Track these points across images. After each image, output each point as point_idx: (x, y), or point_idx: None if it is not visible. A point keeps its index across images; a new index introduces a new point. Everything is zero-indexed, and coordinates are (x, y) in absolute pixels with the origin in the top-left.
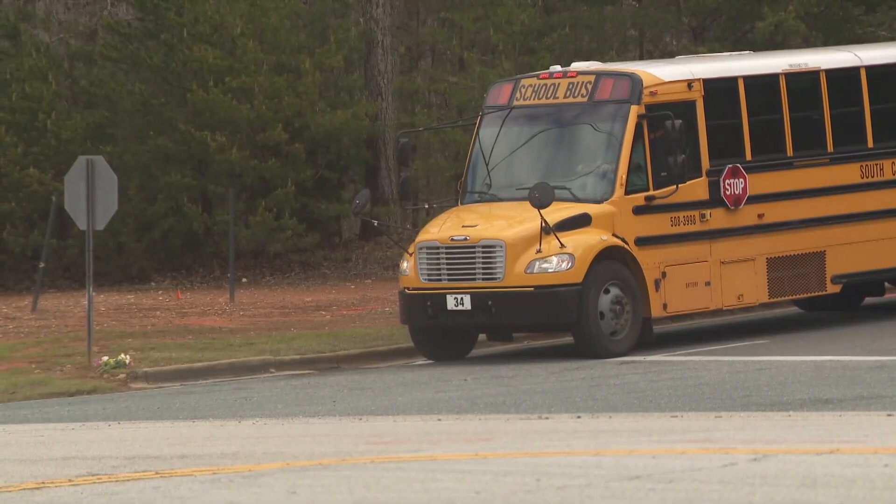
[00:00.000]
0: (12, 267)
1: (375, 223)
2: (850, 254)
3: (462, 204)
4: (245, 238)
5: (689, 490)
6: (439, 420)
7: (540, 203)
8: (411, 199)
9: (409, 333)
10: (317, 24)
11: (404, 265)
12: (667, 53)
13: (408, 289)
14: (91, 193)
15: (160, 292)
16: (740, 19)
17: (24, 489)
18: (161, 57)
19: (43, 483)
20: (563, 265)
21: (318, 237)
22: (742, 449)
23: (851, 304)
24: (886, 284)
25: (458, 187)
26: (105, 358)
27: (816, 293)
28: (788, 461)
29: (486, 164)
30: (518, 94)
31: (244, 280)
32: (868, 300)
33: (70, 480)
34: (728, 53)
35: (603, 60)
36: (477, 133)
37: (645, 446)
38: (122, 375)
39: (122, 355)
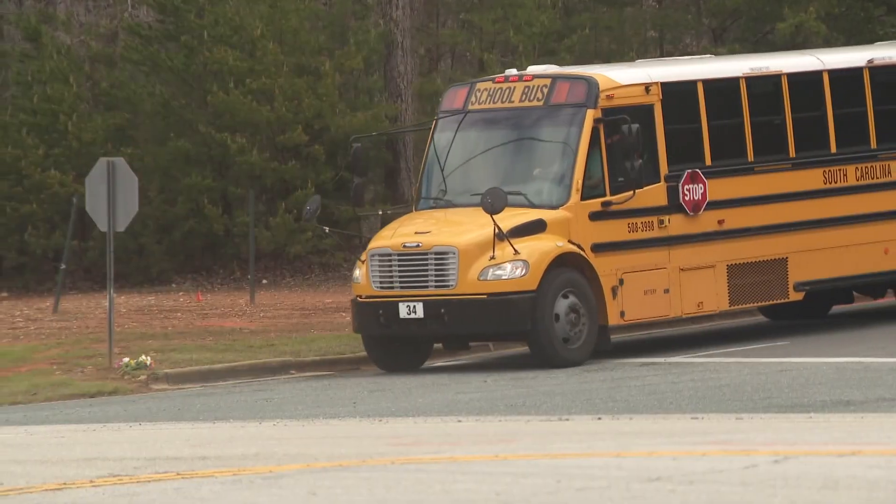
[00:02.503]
0: (34, 268)
1: (327, 230)
2: (813, 261)
3: (417, 210)
4: (265, 240)
5: (711, 492)
6: (459, 422)
7: (493, 208)
8: (365, 206)
9: (362, 343)
10: (337, 25)
11: (357, 273)
12: (687, 54)
13: (360, 297)
14: (112, 195)
15: (181, 294)
16: (761, 20)
17: (46, 490)
18: (181, 59)
19: (65, 484)
20: (517, 272)
21: (338, 239)
22: (763, 451)
23: (818, 312)
24: (855, 293)
25: (412, 193)
26: (126, 359)
27: (778, 301)
28: (810, 463)
29: (442, 170)
30: (473, 98)
31: (264, 281)
32: (837, 308)
33: (91, 481)
34: (689, 57)
35: (624, 62)
36: (432, 138)
37: (665, 448)
38: (142, 377)
39: (143, 357)
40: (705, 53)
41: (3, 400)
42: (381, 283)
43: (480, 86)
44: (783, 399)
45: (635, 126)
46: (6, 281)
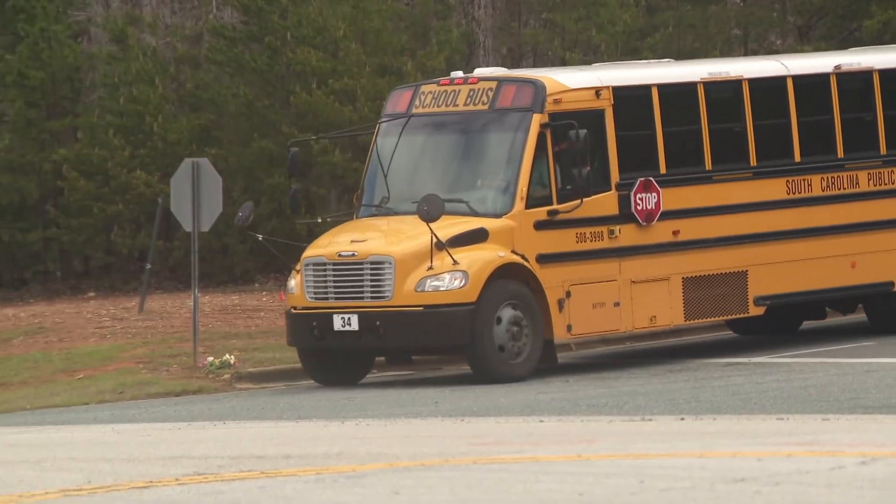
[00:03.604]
0: (120, 268)
1: (260, 237)
2: (775, 274)
3: (358, 217)
4: None
5: (796, 493)
6: (541, 421)
7: (429, 216)
8: (302, 212)
9: (298, 356)
10: (419, 25)
11: (291, 283)
12: (772, 53)
13: (294, 308)
14: (196, 195)
15: (264, 293)
16: (847, 18)
17: (133, 488)
18: (265, 60)
19: (151, 482)
20: (456, 283)
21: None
22: (850, 452)
23: (789, 328)
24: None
25: (354, 200)
26: (210, 358)
27: (738, 315)
28: None
29: (385, 176)
30: (417, 102)
31: None
32: (808, 324)
33: (177, 480)
34: (647, 61)
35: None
36: (375, 142)
37: (750, 449)
38: (226, 376)
39: (227, 356)
40: (791, 52)
41: (91, 398)
42: (315, 293)
43: (425, 88)
44: (870, 400)
45: (583, 132)
46: (93, 281)
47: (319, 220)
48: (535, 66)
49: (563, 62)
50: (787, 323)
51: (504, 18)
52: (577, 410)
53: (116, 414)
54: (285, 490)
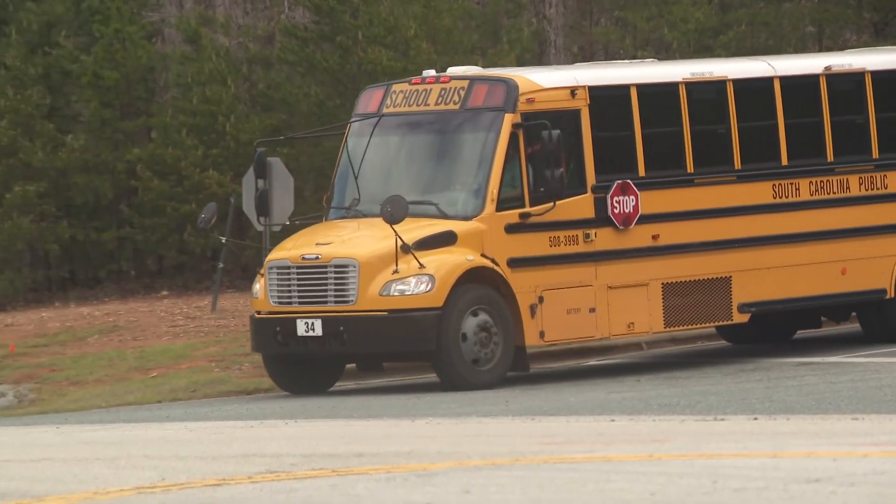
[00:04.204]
0: (193, 268)
1: (223, 240)
2: (761, 281)
3: (327, 220)
4: None
5: (872, 494)
6: (612, 421)
7: (392, 218)
8: (270, 214)
9: (263, 363)
10: (489, 24)
11: (255, 287)
12: (848, 48)
13: (258, 312)
14: (268, 194)
15: None
16: None
17: (206, 485)
18: (336, 59)
19: (223, 480)
20: (422, 287)
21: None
22: None
23: (782, 336)
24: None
25: (324, 202)
26: None
27: (721, 322)
28: None
29: (355, 177)
30: (388, 101)
31: None
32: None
33: (249, 477)
34: (629, 61)
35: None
36: (345, 143)
37: (825, 448)
38: None
39: None
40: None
41: (165, 396)
42: (279, 298)
43: (396, 87)
44: None
45: (556, 132)
46: (167, 280)
47: (288, 223)
48: None
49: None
50: (781, 332)
51: (575, 17)
52: (649, 410)
53: (189, 412)
54: (356, 488)
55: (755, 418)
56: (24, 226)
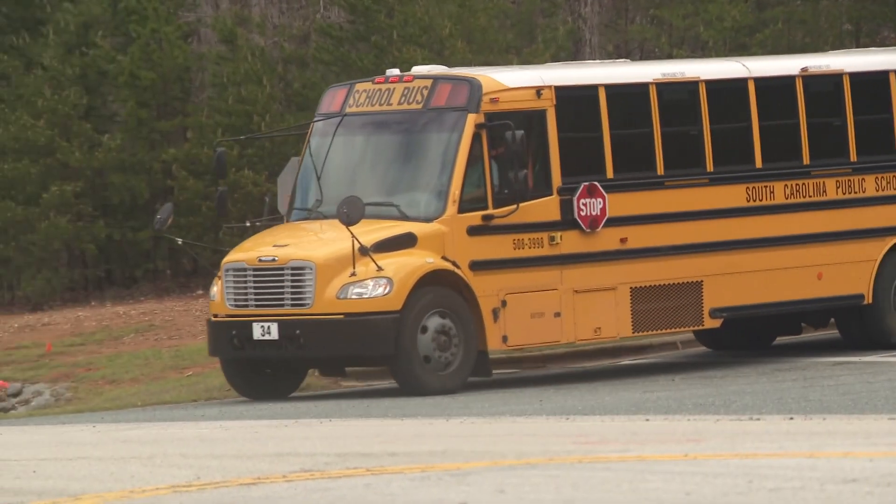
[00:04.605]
0: None
1: (179, 241)
2: (733, 285)
3: (289, 221)
4: None
5: None
6: (647, 420)
7: (348, 219)
8: (229, 215)
9: (221, 368)
10: (525, 23)
11: (213, 289)
12: (886, 45)
13: (215, 316)
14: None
15: None
16: None
17: (241, 484)
18: (371, 59)
19: (259, 478)
20: (379, 290)
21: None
22: None
23: (761, 343)
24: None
25: (286, 204)
26: None
27: (692, 328)
28: None
29: (318, 178)
30: (351, 101)
31: None
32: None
33: (284, 476)
34: (600, 61)
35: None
36: (308, 143)
37: (862, 449)
38: None
39: None
40: None
41: (200, 395)
42: (235, 300)
43: (359, 87)
44: None
45: (519, 132)
46: (202, 279)
47: (248, 224)
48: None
49: (670, 59)
50: (760, 338)
51: (610, 15)
52: (684, 409)
53: (224, 411)
54: (391, 487)
55: (791, 418)
56: (61, 225)
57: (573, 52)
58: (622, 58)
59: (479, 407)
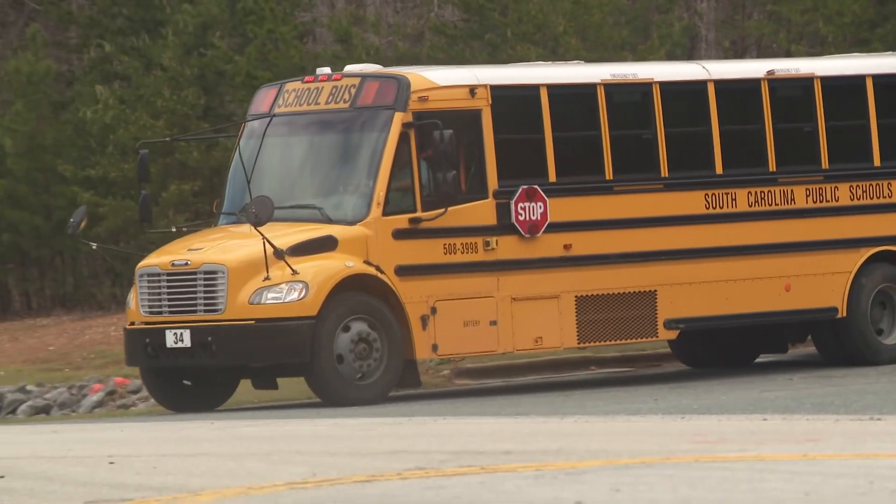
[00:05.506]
0: None
1: (94, 246)
2: (691, 295)
3: (217, 225)
4: None
5: None
6: (765, 420)
7: (257, 220)
8: (152, 220)
9: (140, 378)
10: (640, 20)
11: (129, 296)
12: None
13: (131, 323)
14: None
15: None
16: None
17: (356, 482)
18: (485, 57)
19: (373, 476)
20: (294, 295)
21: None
22: None
23: (742, 361)
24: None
25: (213, 207)
26: None
27: (646, 338)
28: None
29: (247, 181)
30: (280, 100)
31: None
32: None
33: (399, 474)
34: (551, 62)
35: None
36: (238, 145)
37: None
38: (446, 372)
39: None
40: None
41: (313, 394)
42: (150, 307)
43: (289, 86)
44: None
45: (448, 132)
46: None
47: (174, 230)
48: (758, 59)
49: (789, 55)
50: (741, 356)
51: (727, 11)
52: (802, 409)
53: (339, 409)
54: (505, 486)
55: None
56: (179, 223)
57: (689, 49)
58: (738, 54)
59: (593, 406)
